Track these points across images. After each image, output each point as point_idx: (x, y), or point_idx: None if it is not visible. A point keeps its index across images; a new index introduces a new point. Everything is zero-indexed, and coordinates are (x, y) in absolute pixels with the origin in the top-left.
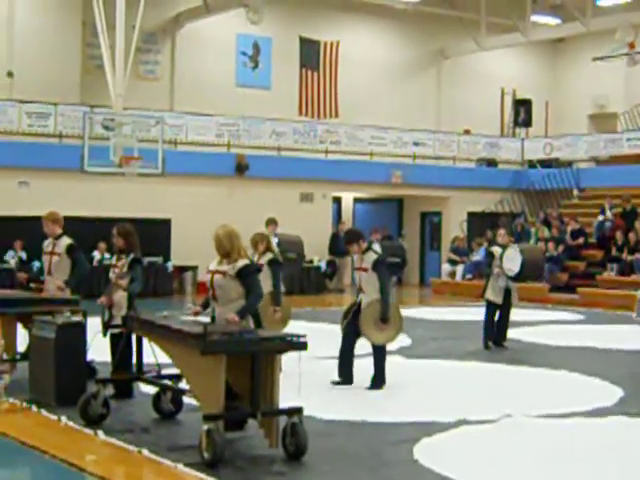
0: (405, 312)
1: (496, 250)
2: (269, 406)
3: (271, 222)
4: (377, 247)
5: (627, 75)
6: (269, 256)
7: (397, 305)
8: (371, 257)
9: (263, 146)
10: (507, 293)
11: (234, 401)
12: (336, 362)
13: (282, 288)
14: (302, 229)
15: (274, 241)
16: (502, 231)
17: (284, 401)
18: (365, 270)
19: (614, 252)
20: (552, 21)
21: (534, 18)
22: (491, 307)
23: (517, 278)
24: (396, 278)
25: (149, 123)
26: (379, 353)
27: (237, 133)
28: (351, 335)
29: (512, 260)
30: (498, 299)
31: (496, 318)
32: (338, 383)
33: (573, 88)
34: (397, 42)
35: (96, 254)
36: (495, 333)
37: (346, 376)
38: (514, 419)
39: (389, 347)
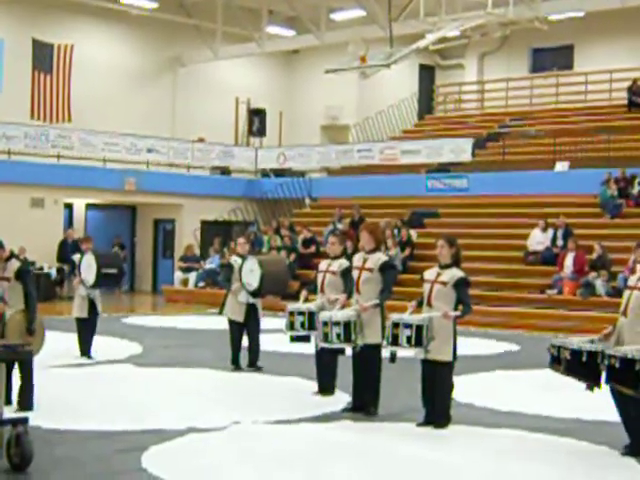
0: (137, 320)
1: (236, 261)
2: None
3: None
4: (90, 257)
5: (359, 88)
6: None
7: (40, 318)
8: (14, 266)
9: None
10: (251, 309)
11: None
12: (68, 371)
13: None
14: (32, 235)
15: None
16: (242, 240)
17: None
18: (8, 280)
19: None
20: (287, 33)
21: (270, 29)
22: (233, 326)
23: (258, 293)
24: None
25: None
26: (27, 368)
27: None
28: None
29: (251, 273)
30: (239, 317)
31: (244, 337)
32: None
33: (307, 99)
34: (133, 48)
35: None
36: (248, 355)
37: None
38: (242, 426)
39: (119, 355)
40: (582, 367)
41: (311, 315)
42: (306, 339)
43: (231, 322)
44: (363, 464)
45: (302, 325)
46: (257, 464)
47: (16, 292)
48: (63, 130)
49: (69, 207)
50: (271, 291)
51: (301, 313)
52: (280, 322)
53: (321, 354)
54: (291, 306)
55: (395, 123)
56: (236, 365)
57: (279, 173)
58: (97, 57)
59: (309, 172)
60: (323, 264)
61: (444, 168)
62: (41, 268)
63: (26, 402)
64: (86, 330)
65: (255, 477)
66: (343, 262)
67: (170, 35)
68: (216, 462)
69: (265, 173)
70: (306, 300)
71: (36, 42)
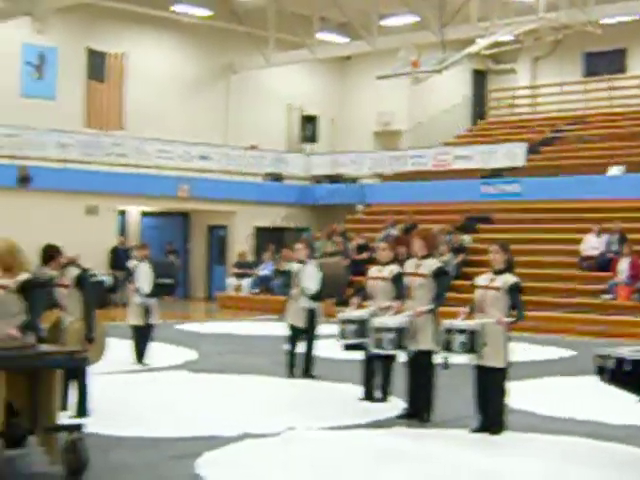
0: (191, 327)
1: (294, 267)
2: (49, 422)
3: None
4: (146, 266)
5: (411, 93)
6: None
7: (102, 325)
8: (73, 273)
9: (48, 158)
10: (311, 314)
11: (14, 417)
12: (123, 377)
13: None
14: (87, 242)
15: None
16: (300, 245)
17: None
18: (66, 287)
19: None
20: (339, 39)
21: (321, 36)
22: (294, 331)
23: (317, 297)
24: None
25: None
26: (83, 375)
27: (20, 144)
28: None
29: (311, 277)
30: (300, 323)
31: (302, 343)
32: None
33: (359, 105)
34: (185, 55)
35: None
36: (302, 362)
37: None
38: (297, 432)
39: (174, 361)
40: (626, 376)
41: (363, 323)
42: (359, 347)
43: (291, 328)
44: (418, 470)
45: (354, 333)
46: (311, 470)
47: (74, 299)
48: (117, 138)
49: (124, 214)
50: (330, 294)
51: (352, 321)
52: (334, 328)
53: (371, 361)
54: (342, 314)
55: (448, 128)
56: (291, 371)
57: (332, 179)
58: (150, 65)
59: (361, 178)
60: (374, 270)
61: (497, 173)
62: (95, 275)
63: (82, 408)
64: (141, 337)
65: None
66: (394, 268)
67: (222, 42)
68: (270, 468)
69: (318, 179)
70: (358, 307)
71: (90, 51)
